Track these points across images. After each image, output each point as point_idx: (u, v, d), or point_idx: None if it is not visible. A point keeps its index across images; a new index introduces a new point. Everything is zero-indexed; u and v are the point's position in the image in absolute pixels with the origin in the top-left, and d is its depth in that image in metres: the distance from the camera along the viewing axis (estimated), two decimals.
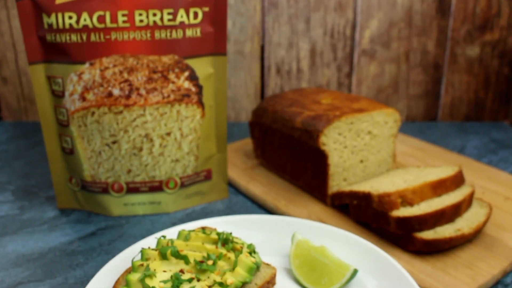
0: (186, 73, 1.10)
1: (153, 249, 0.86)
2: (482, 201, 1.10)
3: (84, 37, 1.04)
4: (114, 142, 1.10)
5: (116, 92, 1.06)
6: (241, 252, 0.86)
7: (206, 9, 1.09)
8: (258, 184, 1.28)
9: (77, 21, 1.03)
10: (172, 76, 1.08)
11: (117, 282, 0.85)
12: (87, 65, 1.05)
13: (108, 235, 1.11)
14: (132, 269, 0.84)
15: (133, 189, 1.16)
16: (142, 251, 0.85)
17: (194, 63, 1.11)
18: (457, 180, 1.09)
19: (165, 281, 0.80)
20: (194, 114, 1.13)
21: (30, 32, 1.05)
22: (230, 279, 0.81)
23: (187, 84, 1.10)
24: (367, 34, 1.70)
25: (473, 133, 1.70)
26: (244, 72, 1.74)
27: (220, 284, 0.80)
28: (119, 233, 1.12)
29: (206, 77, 1.13)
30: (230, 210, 1.22)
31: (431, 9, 1.68)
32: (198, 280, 0.81)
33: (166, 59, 1.08)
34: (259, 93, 1.78)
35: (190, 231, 0.91)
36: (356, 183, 1.17)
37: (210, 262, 0.83)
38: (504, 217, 1.11)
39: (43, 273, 1.00)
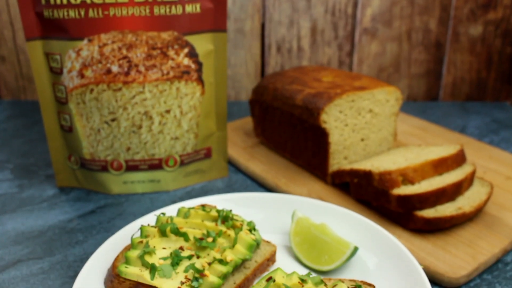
0: (186, 50, 1.08)
1: (152, 226, 0.85)
2: (483, 180, 1.09)
3: (82, 13, 1.02)
4: (113, 120, 1.09)
5: (115, 69, 1.05)
6: (241, 229, 0.85)
7: None
8: (258, 163, 1.27)
9: None
10: (171, 53, 1.07)
11: (116, 259, 0.85)
12: (85, 41, 1.04)
13: (107, 213, 1.11)
14: (131, 246, 0.84)
15: (132, 167, 1.15)
16: (142, 228, 0.85)
17: (193, 39, 1.09)
18: (458, 159, 1.08)
19: (164, 258, 0.80)
20: (194, 91, 1.12)
21: (27, 8, 1.04)
22: (230, 256, 0.80)
23: (186, 61, 1.09)
24: (368, 12, 1.68)
25: (474, 113, 1.69)
26: (244, 50, 1.73)
27: (220, 261, 0.79)
28: (118, 211, 1.12)
29: (206, 54, 1.12)
30: (230, 188, 1.21)
31: None
32: (198, 257, 0.81)
33: (166, 36, 1.07)
34: (259, 72, 1.76)
35: (189, 208, 0.91)
36: (357, 162, 1.16)
37: (209, 239, 0.83)
38: (505, 196, 1.11)
39: (42, 250, 0.99)
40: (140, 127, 1.11)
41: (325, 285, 0.76)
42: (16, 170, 1.29)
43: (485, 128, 1.56)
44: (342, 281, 0.78)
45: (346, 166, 1.12)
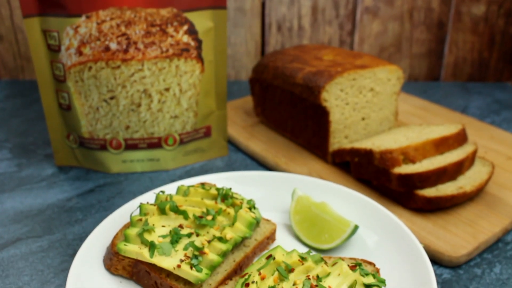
0: (185, 27, 1.07)
1: (151, 204, 0.85)
2: (484, 160, 1.09)
3: None
4: (112, 98, 1.08)
5: (113, 46, 1.04)
6: (240, 207, 0.85)
7: None
8: (258, 142, 1.26)
9: None
10: (170, 30, 1.06)
11: (115, 237, 0.84)
12: (83, 18, 1.02)
13: (106, 192, 1.10)
14: (130, 224, 0.84)
15: (131, 145, 1.14)
16: (141, 206, 0.84)
17: (193, 16, 1.08)
18: (460, 138, 1.08)
19: (164, 236, 0.79)
20: (193, 69, 1.11)
21: None
22: (229, 234, 0.80)
23: (186, 38, 1.08)
24: None
25: (476, 93, 1.68)
26: (244, 29, 1.71)
27: (220, 239, 0.79)
28: (117, 190, 1.11)
29: (206, 31, 1.10)
30: (229, 167, 1.21)
31: None
32: (197, 235, 0.80)
33: (165, 12, 1.05)
34: (260, 51, 1.75)
35: (189, 186, 0.90)
36: (358, 141, 1.16)
37: (209, 218, 0.82)
38: (506, 176, 1.10)
39: (41, 229, 0.99)
40: (139, 105, 1.10)
41: (325, 263, 0.76)
42: (15, 149, 1.29)
43: (487, 109, 1.55)
44: (342, 259, 0.78)
45: (347, 145, 1.12)
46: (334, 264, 0.76)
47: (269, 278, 0.73)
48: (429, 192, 0.97)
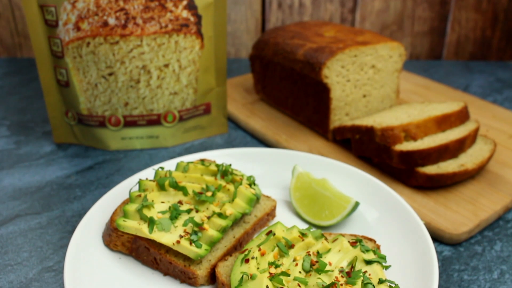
0: (185, 2, 1.05)
1: (151, 180, 0.84)
2: (486, 138, 1.08)
3: None
4: (110, 74, 1.07)
5: (111, 21, 1.02)
6: (240, 183, 0.84)
7: None
8: (258, 119, 1.25)
9: None
10: (169, 5, 1.04)
11: (114, 213, 0.84)
12: None
13: (105, 169, 1.10)
14: (129, 200, 0.83)
15: (130, 122, 1.13)
16: (140, 182, 0.84)
17: None
18: (462, 116, 1.07)
19: (163, 212, 0.79)
20: (192, 45, 1.09)
21: None
22: (229, 210, 0.79)
23: (185, 14, 1.06)
24: None
25: (478, 72, 1.66)
26: (244, 6, 1.69)
27: (219, 214, 0.78)
28: (117, 167, 1.10)
29: (206, 7, 1.08)
30: (229, 145, 1.20)
31: None
32: (197, 211, 0.80)
33: None
34: (260, 29, 1.73)
35: (188, 162, 0.89)
36: (358, 118, 1.15)
37: (209, 194, 0.82)
38: (508, 155, 1.10)
39: (40, 206, 0.99)
40: (138, 81, 1.08)
41: (326, 239, 0.76)
42: (13, 126, 1.28)
43: (489, 87, 1.54)
44: (342, 235, 0.77)
45: (348, 122, 1.11)
46: (334, 240, 0.76)
47: (269, 254, 0.72)
48: (430, 169, 0.96)
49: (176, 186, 0.82)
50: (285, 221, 0.89)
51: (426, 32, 1.73)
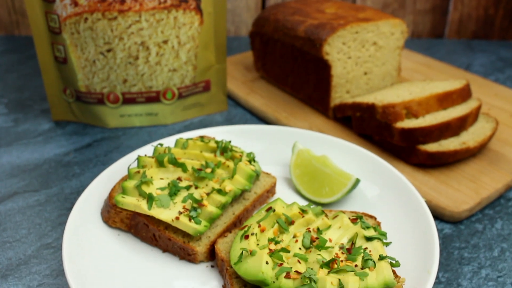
0: None
1: (149, 157, 0.83)
2: (488, 116, 1.07)
3: None
4: (108, 51, 1.06)
5: None
6: (240, 160, 0.83)
7: None
8: (258, 97, 1.24)
9: None
10: None
11: (113, 189, 0.83)
12: None
13: (104, 147, 1.09)
14: (128, 176, 0.82)
15: (129, 99, 1.12)
16: (139, 159, 0.83)
17: None
18: (463, 93, 1.06)
19: (162, 188, 0.78)
20: (192, 21, 1.08)
21: None
22: (229, 186, 0.78)
23: None
24: None
25: (480, 51, 1.65)
26: None
27: (219, 191, 0.78)
28: (115, 145, 1.10)
29: None
30: (229, 122, 1.19)
31: None
32: (196, 187, 0.79)
33: None
34: (260, 6, 1.71)
35: (188, 139, 0.88)
36: (359, 96, 1.13)
37: (208, 170, 0.81)
38: (510, 133, 1.09)
39: (38, 183, 0.98)
40: (136, 58, 1.07)
41: (326, 215, 0.75)
42: (11, 104, 1.27)
43: (491, 66, 1.52)
44: (343, 212, 0.77)
45: (349, 99, 1.10)
46: (335, 217, 0.75)
47: (269, 230, 0.72)
48: (432, 147, 0.96)
49: (175, 162, 0.81)
50: (285, 198, 0.89)
51: (428, 10, 1.71)
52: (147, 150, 0.94)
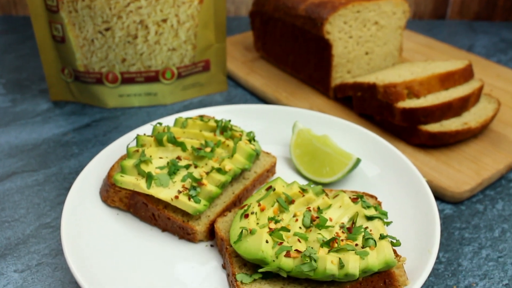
0: None
1: (148, 136, 0.82)
2: (490, 97, 1.06)
3: None
4: (107, 29, 1.04)
5: None
6: (240, 139, 0.82)
7: None
8: (258, 77, 1.23)
9: None
10: None
11: (111, 168, 0.82)
12: None
13: (103, 127, 1.08)
14: (127, 155, 0.81)
15: (128, 79, 1.11)
16: (138, 138, 0.82)
17: None
18: (466, 74, 1.05)
19: (161, 167, 0.78)
20: None
21: None
22: (228, 165, 0.78)
23: None
24: None
25: (482, 32, 1.63)
26: None
27: (218, 170, 0.77)
28: (114, 125, 1.09)
29: None
30: (229, 102, 1.18)
31: None
32: (196, 167, 0.79)
33: None
34: None
35: (187, 118, 0.87)
36: (361, 76, 1.12)
37: (208, 149, 0.80)
38: (511, 114, 1.08)
39: (37, 163, 0.97)
40: (135, 37, 1.06)
41: (326, 195, 0.74)
42: (9, 85, 1.26)
43: (493, 48, 1.51)
44: (343, 191, 0.76)
45: (349, 79, 1.09)
46: (335, 196, 0.75)
47: (269, 209, 0.71)
48: (433, 127, 0.95)
49: (174, 141, 0.80)
50: (285, 178, 0.88)
51: None
52: (146, 129, 0.93)
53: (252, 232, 0.66)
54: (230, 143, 0.82)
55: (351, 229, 0.69)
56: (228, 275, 0.70)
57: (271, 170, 0.87)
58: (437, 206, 0.86)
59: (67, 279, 0.75)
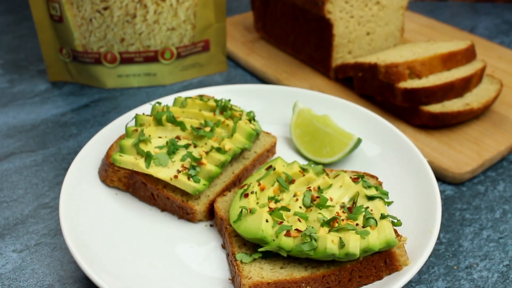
0: None
1: (147, 115, 0.81)
2: (492, 78, 1.05)
3: None
4: (105, 8, 1.03)
5: None
6: (240, 119, 0.82)
7: None
8: (258, 57, 1.22)
9: None
10: None
11: (110, 148, 0.82)
12: None
13: (102, 107, 1.07)
14: (126, 135, 0.81)
15: (127, 59, 1.10)
16: (136, 117, 0.81)
17: None
18: (468, 54, 1.03)
19: (160, 147, 0.77)
20: None
21: None
22: (228, 145, 0.77)
23: None
24: None
25: (484, 14, 1.62)
26: None
27: (218, 149, 0.76)
28: (113, 105, 1.08)
29: None
30: (229, 83, 1.17)
31: None
32: (195, 146, 0.78)
33: None
34: None
35: (186, 98, 0.86)
36: (362, 56, 1.11)
37: (207, 129, 0.79)
38: None
39: (35, 143, 0.97)
40: (134, 16, 1.05)
41: (327, 174, 0.74)
42: (6, 65, 1.24)
43: (495, 29, 1.49)
44: (344, 171, 0.75)
45: (350, 60, 1.07)
46: (336, 176, 0.74)
47: (269, 189, 0.71)
48: (435, 108, 0.94)
49: (173, 121, 0.80)
50: (285, 158, 0.87)
51: None
52: (145, 109, 0.92)
53: (252, 211, 0.66)
54: (230, 122, 0.81)
55: (351, 209, 0.68)
56: (227, 255, 0.69)
57: (271, 150, 0.87)
58: (438, 187, 0.86)
59: (66, 259, 0.74)
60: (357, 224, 0.66)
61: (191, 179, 0.73)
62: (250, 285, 0.61)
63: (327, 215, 0.67)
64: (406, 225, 0.71)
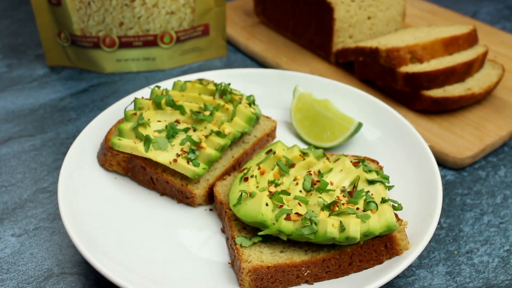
0: None
1: (147, 99, 0.81)
2: (494, 63, 1.04)
3: None
4: None
5: None
6: (239, 103, 0.81)
7: None
8: (259, 42, 1.21)
9: None
10: None
11: (109, 132, 0.81)
12: None
13: (100, 92, 1.07)
14: (124, 119, 0.80)
15: (126, 43, 1.09)
16: (135, 100, 0.81)
17: None
18: (470, 39, 1.03)
19: (159, 131, 0.76)
20: None
21: None
22: (228, 128, 0.76)
23: None
24: None
25: None
26: None
27: (218, 133, 0.76)
28: (112, 90, 1.07)
29: None
30: (228, 67, 1.16)
31: None
32: (195, 130, 0.77)
33: None
34: None
35: (186, 81, 0.86)
36: (363, 41, 1.10)
37: (207, 113, 0.79)
38: None
39: (34, 128, 0.96)
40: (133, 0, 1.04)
41: (327, 158, 0.73)
42: (4, 50, 1.23)
43: (497, 15, 1.48)
44: (345, 156, 0.75)
45: (351, 44, 1.07)
46: (336, 160, 0.74)
47: (269, 173, 0.70)
48: (436, 92, 0.93)
49: (173, 104, 0.79)
50: (286, 142, 0.87)
51: None
52: (144, 93, 0.92)
53: (251, 195, 0.65)
54: (230, 106, 0.80)
55: (352, 193, 0.68)
56: (227, 239, 0.69)
57: (271, 134, 0.86)
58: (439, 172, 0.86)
59: (65, 243, 0.74)
60: (357, 208, 0.65)
61: (190, 163, 0.73)
62: (250, 269, 0.61)
63: (327, 199, 0.67)
64: (407, 210, 0.71)
